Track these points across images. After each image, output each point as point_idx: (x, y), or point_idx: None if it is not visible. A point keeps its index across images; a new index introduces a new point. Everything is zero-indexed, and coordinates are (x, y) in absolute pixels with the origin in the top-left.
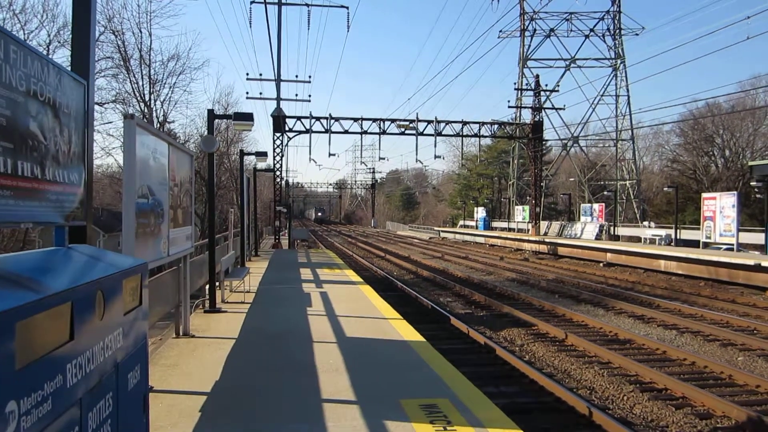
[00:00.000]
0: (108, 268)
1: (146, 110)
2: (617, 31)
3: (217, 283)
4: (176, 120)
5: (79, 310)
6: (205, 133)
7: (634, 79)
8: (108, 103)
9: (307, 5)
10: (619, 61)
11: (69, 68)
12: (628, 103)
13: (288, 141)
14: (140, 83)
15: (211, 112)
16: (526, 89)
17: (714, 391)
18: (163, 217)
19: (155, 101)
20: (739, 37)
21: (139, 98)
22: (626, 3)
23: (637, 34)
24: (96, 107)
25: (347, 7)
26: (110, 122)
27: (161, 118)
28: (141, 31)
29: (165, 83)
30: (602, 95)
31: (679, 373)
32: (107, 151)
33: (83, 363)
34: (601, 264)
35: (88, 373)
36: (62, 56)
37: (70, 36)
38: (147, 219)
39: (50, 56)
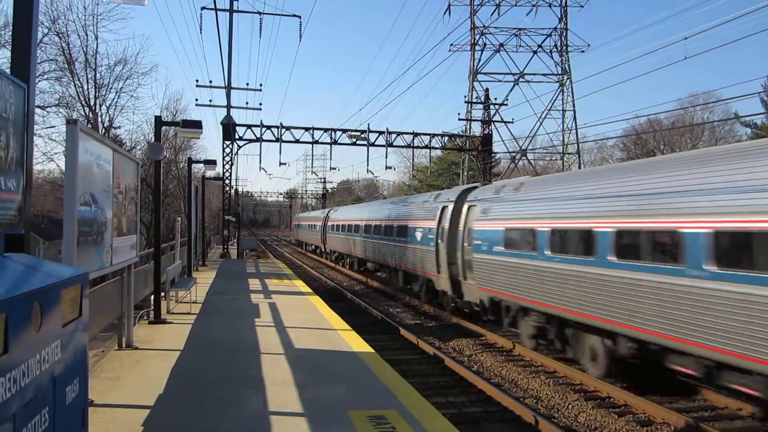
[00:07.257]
0: (46, 278)
1: (91, 115)
2: (564, 47)
3: (162, 294)
4: (122, 126)
5: (15, 322)
6: (153, 139)
7: (581, 94)
8: (51, 106)
9: (259, 13)
10: (565, 77)
11: (8, 70)
12: (574, 117)
13: (238, 149)
14: (85, 87)
15: (158, 118)
16: (476, 102)
17: (654, 399)
18: (107, 226)
19: (101, 106)
20: (678, 56)
21: (83, 102)
22: (573, 20)
23: (582, 51)
24: (38, 111)
25: (299, 16)
26: (53, 126)
27: (107, 124)
28: (87, 34)
29: (111, 88)
30: (549, 110)
31: (622, 382)
32: (49, 156)
33: (18, 377)
34: None
35: (22, 388)
36: (2, 57)
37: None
38: (89, 227)
39: None
